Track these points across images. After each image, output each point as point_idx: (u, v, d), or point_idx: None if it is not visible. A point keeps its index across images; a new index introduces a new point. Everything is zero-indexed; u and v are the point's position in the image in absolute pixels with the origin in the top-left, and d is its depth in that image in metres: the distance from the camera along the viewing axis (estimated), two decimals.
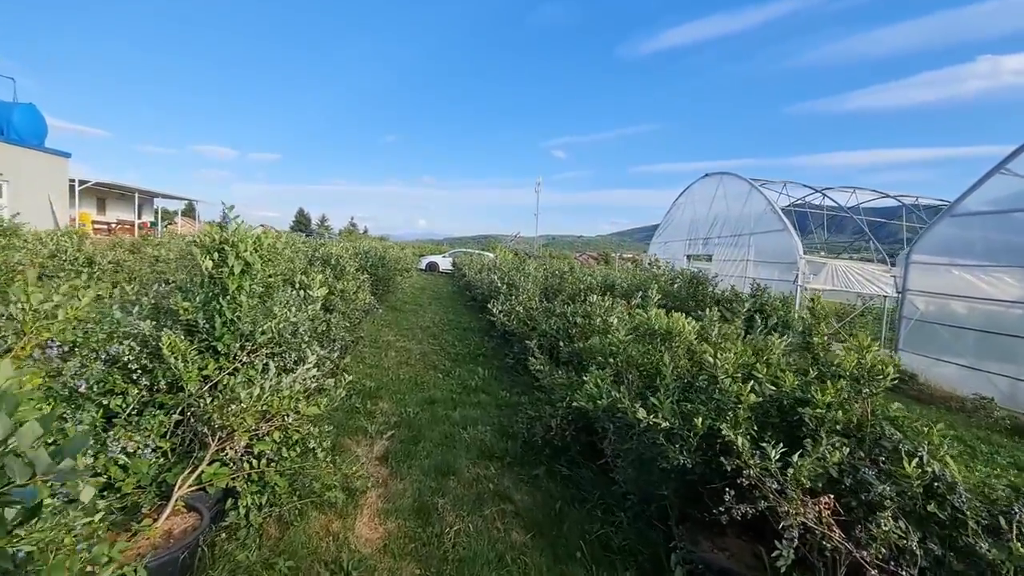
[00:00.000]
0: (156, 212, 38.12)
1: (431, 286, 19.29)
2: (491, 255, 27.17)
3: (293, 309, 3.48)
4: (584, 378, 3.29)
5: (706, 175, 20.34)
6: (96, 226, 30.11)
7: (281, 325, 3.16)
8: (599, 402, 2.96)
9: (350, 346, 6.48)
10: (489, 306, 6.48)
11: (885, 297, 13.14)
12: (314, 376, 3.10)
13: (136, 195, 31.62)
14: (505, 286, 6.32)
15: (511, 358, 6.71)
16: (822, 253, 16.11)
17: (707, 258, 20.02)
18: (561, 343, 5.61)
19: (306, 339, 3.41)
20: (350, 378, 3.51)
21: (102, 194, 32.30)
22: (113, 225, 31.61)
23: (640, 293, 6.32)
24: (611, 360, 3.43)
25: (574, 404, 3.62)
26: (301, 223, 77.81)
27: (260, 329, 3.08)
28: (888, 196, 16.71)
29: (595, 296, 5.19)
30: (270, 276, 3.82)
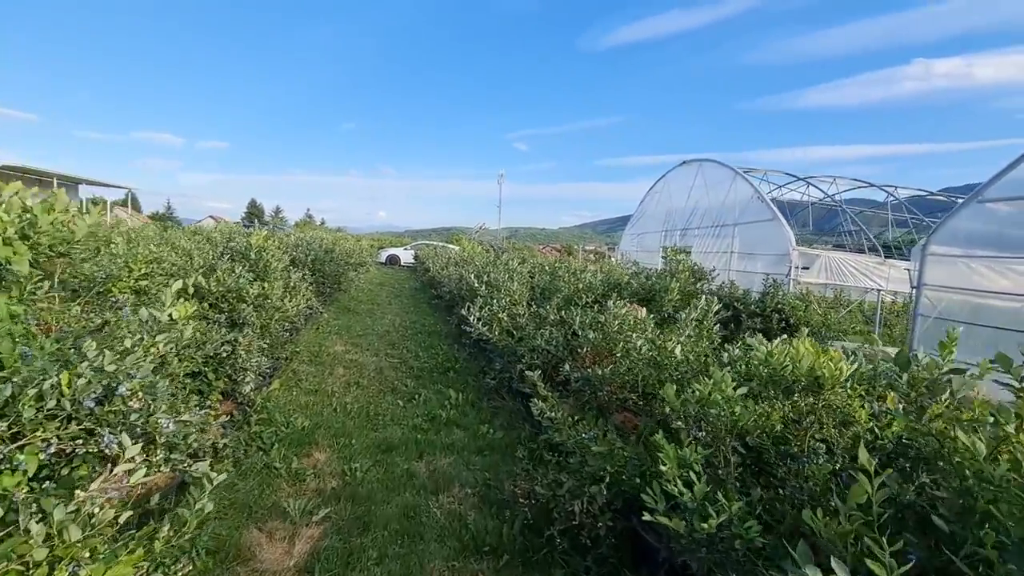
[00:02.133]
0: (81, 202, 34.38)
1: (391, 282, 17.56)
2: (455, 247, 25.55)
3: (127, 343, 1.92)
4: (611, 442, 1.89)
5: (683, 162, 19.38)
6: None
7: (74, 387, 1.62)
8: (703, 526, 1.56)
9: (276, 371, 4.89)
10: (464, 312, 5.01)
11: (879, 291, 12.43)
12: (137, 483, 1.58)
13: (55, 181, 28.18)
14: (484, 286, 4.84)
15: (491, 376, 5.28)
16: (813, 245, 15.38)
17: (685, 251, 19.13)
18: (566, 365, 4.23)
19: (137, 405, 1.86)
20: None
21: (15, 179, 28.62)
22: None
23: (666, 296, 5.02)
24: (701, 424, 2.04)
25: (623, 488, 2.24)
26: (253, 214, 73.65)
27: (25, 399, 1.53)
28: (872, 185, 16.14)
29: (612, 302, 3.83)
30: (90, 282, 2.24)
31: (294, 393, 4.98)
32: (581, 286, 5.18)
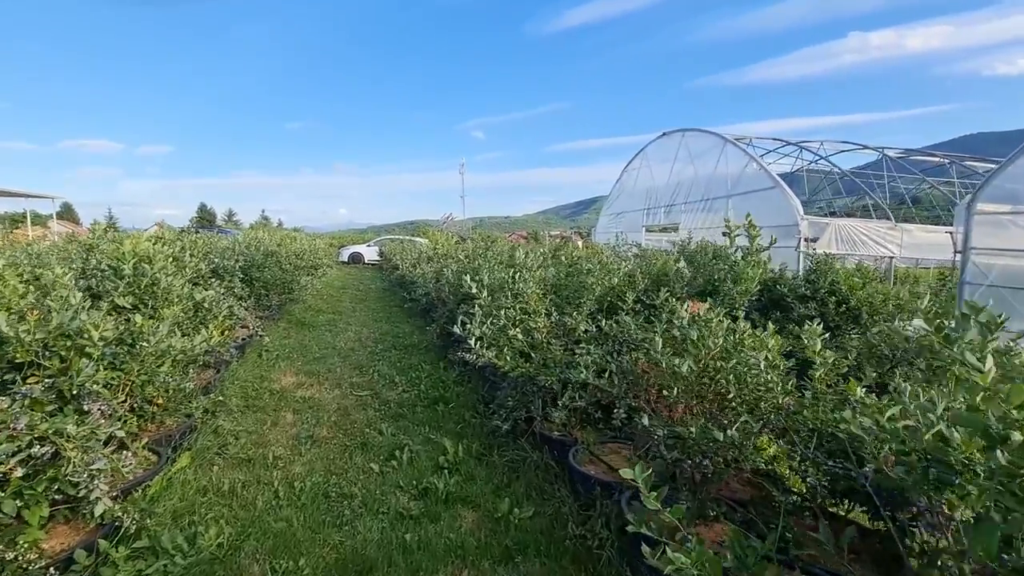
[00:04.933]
0: None
1: (355, 283, 15.72)
2: (423, 241, 23.76)
3: None
4: None
5: (663, 134, 18.09)
6: None
7: None
8: None
9: (185, 437, 3.24)
10: (457, 328, 3.46)
11: (891, 258, 11.46)
12: None
13: None
14: (486, 292, 3.29)
15: (501, 415, 3.75)
16: (808, 213, 14.36)
17: (671, 228, 17.96)
18: (625, 401, 2.75)
19: None
20: None
21: None
22: None
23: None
24: None
25: None
26: (204, 219, 69.44)
27: None
28: (865, 147, 15.22)
29: (663, 299, 2.39)
30: None
31: (213, 471, 3.33)
32: (616, 281, 3.70)
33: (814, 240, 11.26)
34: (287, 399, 4.80)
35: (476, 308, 3.55)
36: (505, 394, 3.88)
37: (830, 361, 2.38)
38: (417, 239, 23.82)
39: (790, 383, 2.23)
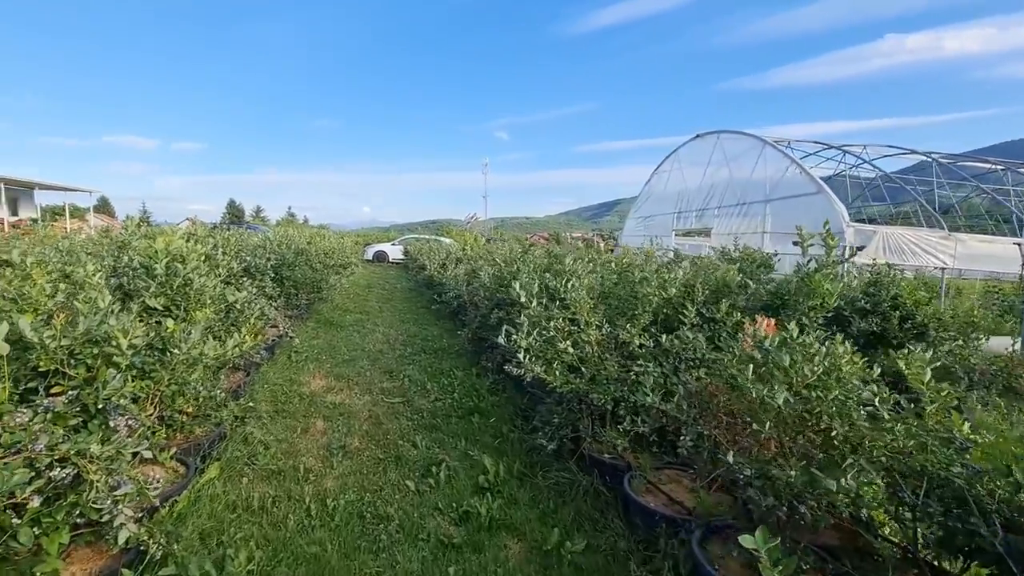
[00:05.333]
0: (38, 208, 31.80)
1: (380, 282, 15.65)
2: (448, 240, 23.66)
3: None
4: None
5: (697, 135, 17.59)
6: None
7: None
8: None
9: (213, 447, 3.08)
10: (502, 340, 3.20)
11: (943, 269, 10.83)
12: None
13: (2, 186, 25.66)
14: (535, 301, 3.02)
15: (545, 432, 3.47)
16: (853, 220, 13.73)
17: (703, 233, 17.44)
18: (694, 428, 2.47)
19: None
20: None
21: None
22: None
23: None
24: None
25: None
26: (233, 215, 70.97)
27: None
28: (915, 152, 14.50)
29: (724, 312, 2.09)
30: None
31: (243, 483, 3.14)
32: (674, 292, 3.39)
33: (860, 248, 10.70)
34: (317, 405, 4.61)
35: (523, 318, 3.29)
36: (549, 410, 3.61)
37: (942, 394, 2.06)
38: (442, 239, 23.74)
39: (910, 420, 1.92)
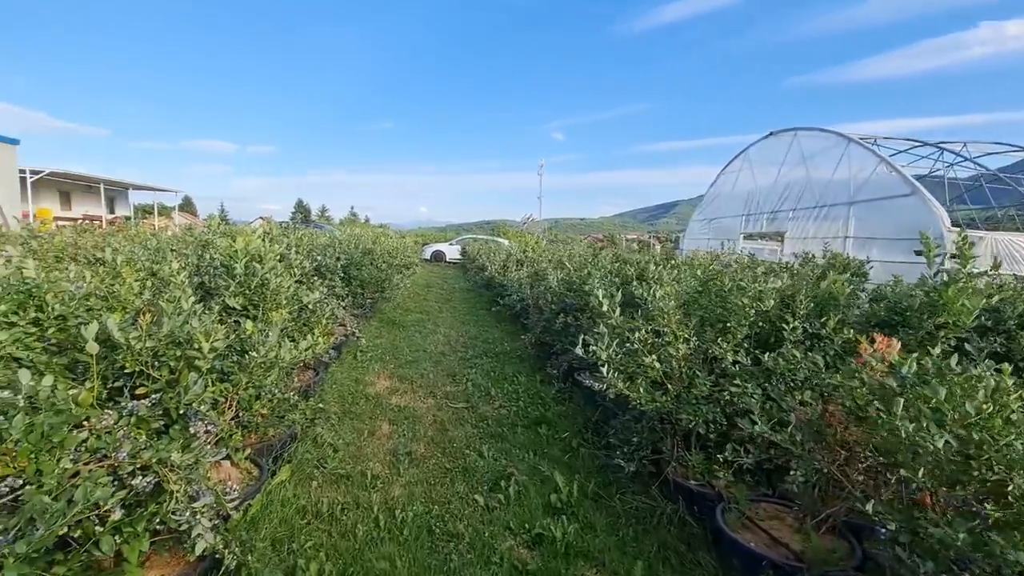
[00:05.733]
0: (132, 206, 34.69)
1: (438, 282, 15.79)
2: (505, 241, 23.66)
3: None
4: None
5: (771, 133, 16.57)
6: (60, 222, 26.64)
7: None
8: None
9: (285, 448, 3.05)
10: (579, 351, 2.97)
11: None
12: None
13: (102, 186, 28.14)
14: (618, 311, 2.77)
15: (623, 452, 3.20)
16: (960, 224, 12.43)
17: (775, 236, 16.43)
18: (808, 463, 2.15)
19: None
20: None
21: (66, 187, 28.91)
22: (80, 221, 28.06)
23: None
24: None
25: None
26: (302, 214, 74.75)
27: None
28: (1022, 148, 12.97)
29: (831, 328, 1.74)
30: None
31: (312, 487, 3.10)
32: (772, 303, 3.04)
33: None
34: (382, 407, 4.57)
35: (602, 328, 3.05)
36: (626, 427, 3.35)
37: None
38: (500, 239, 23.77)
39: None
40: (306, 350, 2.92)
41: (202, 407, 1.85)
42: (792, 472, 2.26)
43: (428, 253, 24.99)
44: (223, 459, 2.55)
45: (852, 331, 2.89)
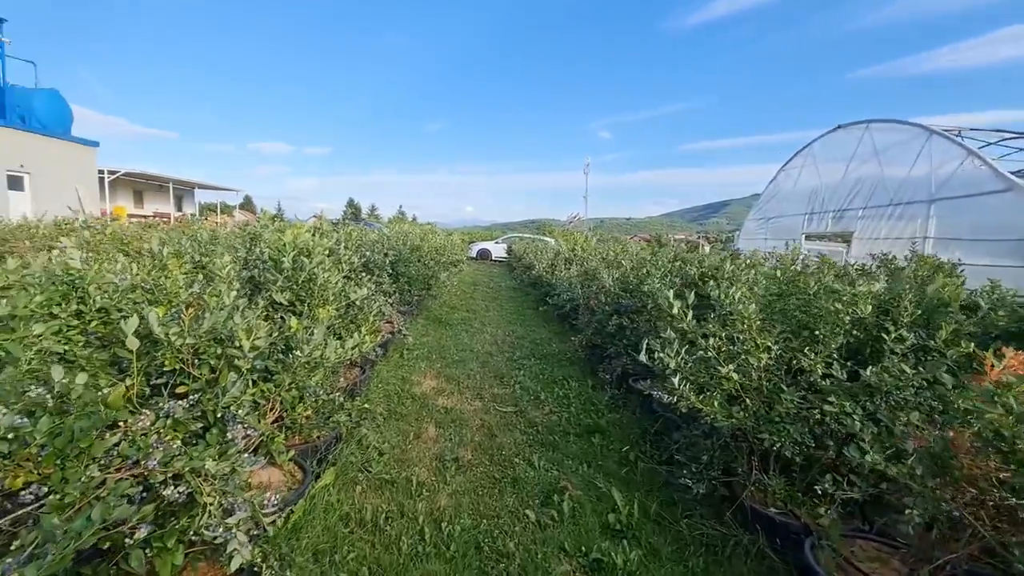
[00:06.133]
0: (197, 204, 36.71)
1: (484, 279, 15.69)
2: (551, 240, 23.36)
3: None
4: None
5: (838, 127, 15.48)
6: (133, 219, 28.44)
7: None
8: None
9: (330, 449, 2.93)
10: (644, 358, 2.68)
11: None
12: None
13: (171, 186, 29.86)
14: (691, 314, 2.47)
15: (690, 472, 2.89)
16: None
17: (843, 237, 15.34)
18: (927, 501, 1.79)
19: None
20: None
21: (139, 186, 30.88)
22: (151, 218, 29.91)
23: None
24: None
25: None
26: (352, 213, 77.10)
27: None
28: None
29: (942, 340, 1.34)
30: None
31: (356, 492, 2.96)
32: (869, 310, 2.64)
33: None
34: (428, 408, 4.43)
35: (670, 332, 2.75)
36: (695, 444, 3.04)
37: None
38: (546, 238, 23.50)
39: None
40: (352, 348, 2.77)
41: (240, 411, 1.71)
42: (908, 511, 1.90)
43: (474, 251, 25.03)
44: (266, 462, 2.44)
45: (971, 343, 2.47)
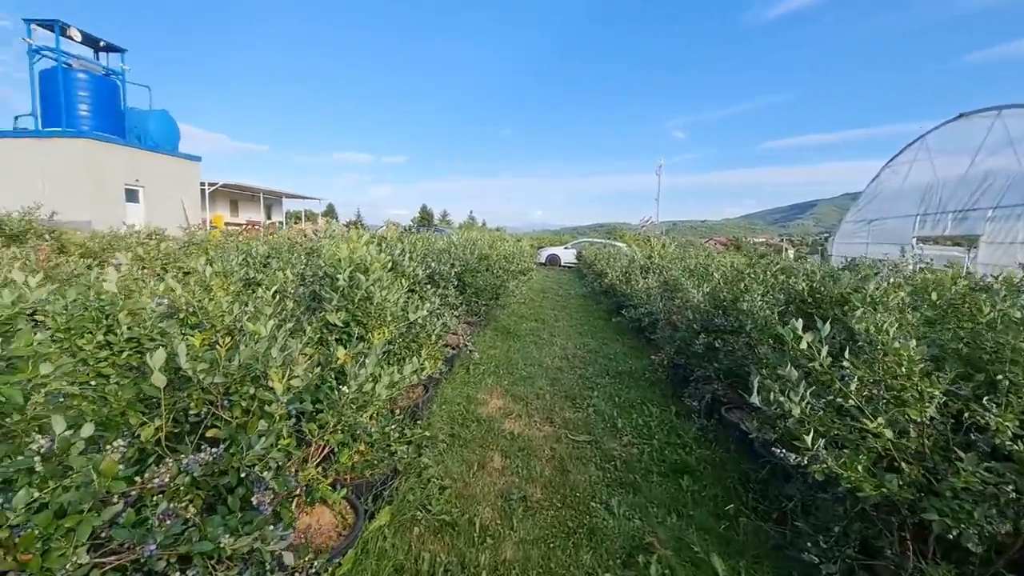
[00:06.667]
0: (285, 213, 39.26)
1: (553, 287, 15.26)
2: (623, 245, 22.51)
3: None
4: None
5: (960, 116, 13.55)
6: (229, 227, 30.83)
7: None
8: None
9: (387, 484, 2.63)
10: (756, 400, 2.15)
11: None
12: None
13: (261, 196, 32.05)
14: (824, 349, 1.89)
15: (821, 543, 2.32)
16: None
17: (966, 241, 13.39)
18: None
19: None
20: None
21: (234, 196, 33.39)
22: (245, 225, 32.30)
23: None
24: None
25: None
26: (424, 219, 79.59)
27: None
28: None
29: None
30: None
31: (413, 536, 2.66)
32: None
33: None
34: (494, 432, 4.08)
35: (790, 370, 2.20)
36: (822, 507, 2.45)
37: None
38: (617, 243, 22.69)
39: None
40: (411, 374, 2.47)
41: (266, 474, 1.42)
42: None
43: (543, 257, 24.67)
44: (317, 501, 2.18)
45: None
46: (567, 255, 24.25)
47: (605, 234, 45.67)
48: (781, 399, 2.14)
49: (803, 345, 2.08)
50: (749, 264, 4.43)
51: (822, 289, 3.97)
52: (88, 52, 21.50)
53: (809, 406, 2.13)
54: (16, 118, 19.85)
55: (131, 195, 21.14)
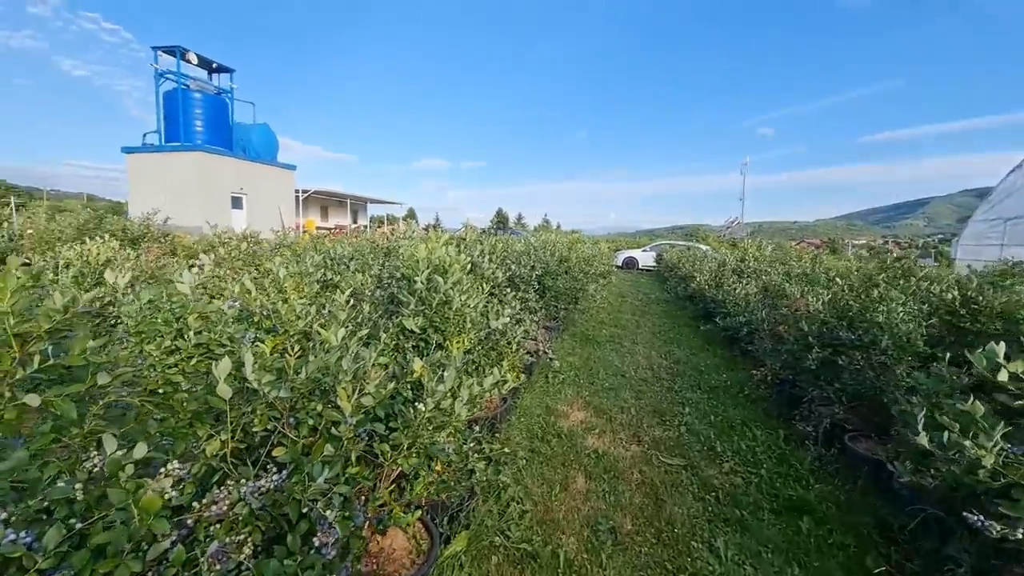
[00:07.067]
0: (369, 217, 41.26)
1: (632, 291, 14.60)
2: (706, 247, 21.23)
3: None
4: None
5: None
6: (319, 230, 32.86)
7: None
8: None
9: (463, 508, 2.41)
10: (924, 441, 1.67)
11: None
12: None
13: (348, 201, 33.80)
14: None
15: None
16: None
17: None
18: None
19: None
20: None
21: (324, 202, 35.49)
22: (333, 229, 34.31)
23: None
24: None
25: None
26: (500, 222, 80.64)
27: None
28: None
29: None
30: None
31: (492, 565, 2.41)
32: None
33: None
34: (576, 449, 3.76)
35: (975, 405, 1.70)
36: (1005, 573, 1.90)
37: None
38: (700, 245, 21.47)
39: None
40: (491, 388, 2.22)
41: (329, 512, 1.22)
42: None
43: (620, 260, 23.88)
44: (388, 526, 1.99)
45: None
46: (645, 258, 23.30)
47: (685, 236, 43.62)
48: (964, 442, 1.65)
49: (1003, 376, 1.59)
50: (882, 267, 3.77)
51: (979, 299, 3.27)
52: (203, 73, 23.77)
53: (1004, 453, 1.63)
54: (144, 135, 22.35)
55: (236, 202, 23.06)
